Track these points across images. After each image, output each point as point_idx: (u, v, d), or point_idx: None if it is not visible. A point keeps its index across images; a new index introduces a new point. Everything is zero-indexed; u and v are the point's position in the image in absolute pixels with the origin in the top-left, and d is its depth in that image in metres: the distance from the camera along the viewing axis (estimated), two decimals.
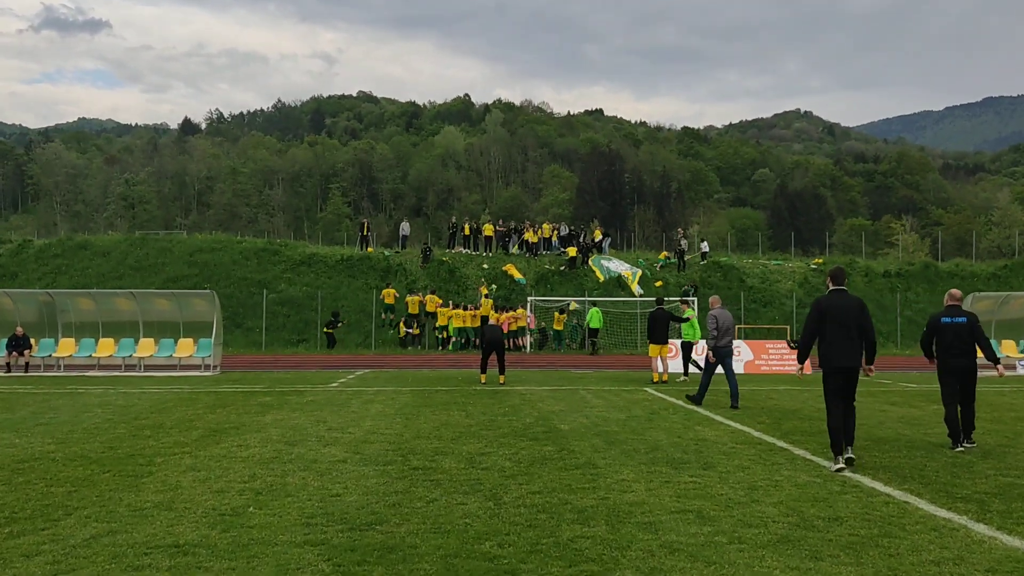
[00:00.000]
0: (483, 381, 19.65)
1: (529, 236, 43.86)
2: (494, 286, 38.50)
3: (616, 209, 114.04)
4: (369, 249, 43.81)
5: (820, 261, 43.81)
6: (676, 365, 22.58)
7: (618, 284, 40.58)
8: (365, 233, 44.28)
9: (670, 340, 21.71)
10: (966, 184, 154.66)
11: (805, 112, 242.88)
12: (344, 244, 52.64)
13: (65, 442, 10.76)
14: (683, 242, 44.51)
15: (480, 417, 13.24)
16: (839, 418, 9.15)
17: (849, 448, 9.20)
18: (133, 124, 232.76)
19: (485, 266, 41.50)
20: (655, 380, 20.22)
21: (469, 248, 43.75)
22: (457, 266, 41.26)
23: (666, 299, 24.80)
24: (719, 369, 15.87)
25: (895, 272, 42.20)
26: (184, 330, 24.52)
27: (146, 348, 23.91)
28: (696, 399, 15.59)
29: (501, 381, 19.52)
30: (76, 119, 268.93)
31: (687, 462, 9.31)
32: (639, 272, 41.03)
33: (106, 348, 23.91)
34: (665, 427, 12.28)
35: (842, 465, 8.91)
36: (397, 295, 36.07)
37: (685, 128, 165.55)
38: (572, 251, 41.91)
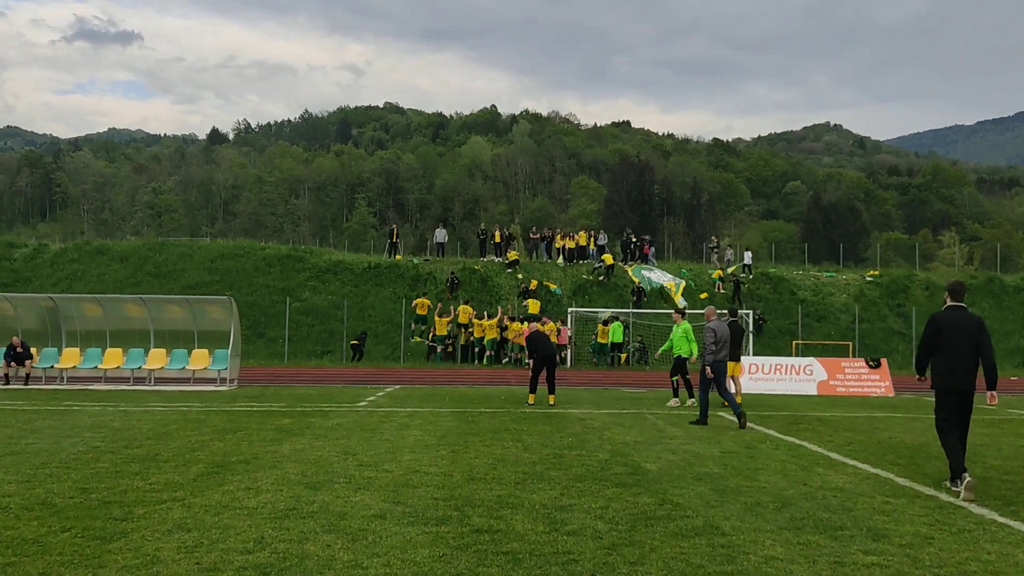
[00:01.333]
0: (531, 402, 17.27)
1: (563, 243, 41.47)
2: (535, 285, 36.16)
3: (646, 221, 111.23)
4: (398, 257, 41.59)
5: (876, 273, 41.09)
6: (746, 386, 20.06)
7: (660, 296, 38.09)
8: (394, 240, 42.08)
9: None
10: (1002, 199, 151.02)
11: (835, 125, 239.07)
12: (371, 252, 50.49)
13: (31, 480, 8.48)
14: (728, 251, 42.00)
15: (542, 450, 10.85)
16: (955, 439, 8.58)
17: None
18: (162, 134, 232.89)
19: (520, 276, 39.14)
20: (726, 404, 17.68)
21: (501, 256, 41.42)
22: (490, 275, 38.94)
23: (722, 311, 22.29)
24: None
25: None
26: (199, 340, 22.34)
27: (157, 359, 21.73)
28: (700, 421, 14.31)
29: (551, 402, 17.14)
30: (107, 129, 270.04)
31: (843, 527, 6.86)
32: (682, 283, 38.54)
33: (113, 359, 21.74)
34: (776, 468, 9.82)
35: (969, 494, 8.00)
36: (431, 305, 33.69)
37: (715, 140, 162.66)
38: (608, 258, 39.51)
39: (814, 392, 21.61)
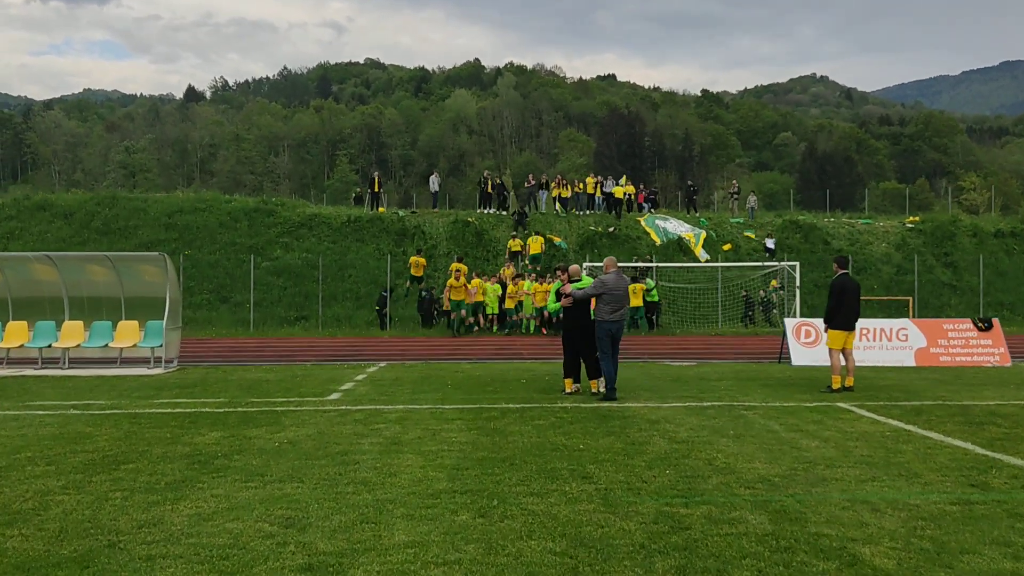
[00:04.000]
0: (569, 389, 12.37)
1: (560, 191, 36.44)
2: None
3: (637, 173, 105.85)
4: (381, 209, 36.40)
5: (917, 219, 36.26)
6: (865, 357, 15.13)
7: (679, 248, 33.19)
8: (376, 190, 36.77)
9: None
10: (992, 148, 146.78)
11: (821, 77, 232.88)
12: (351, 207, 45.23)
13: None
14: (752, 199, 37.14)
15: (636, 505, 5.95)
16: None
17: None
18: (139, 94, 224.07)
19: (515, 233, 34.08)
20: (836, 386, 12.77)
21: (493, 207, 36.29)
22: (485, 228, 33.88)
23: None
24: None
25: (1009, 231, 34.65)
26: (127, 309, 17.27)
27: (72, 335, 16.64)
28: (608, 396, 11.66)
29: (594, 388, 12.27)
30: (82, 90, 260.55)
31: None
32: (703, 233, 33.64)
33: (16, 335, 16.64)
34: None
35: None
36: (427, 265, 28.64)
37: (704, 91, 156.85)
38: (619, 191, 34.92)
39: (912, 362, 16.87)
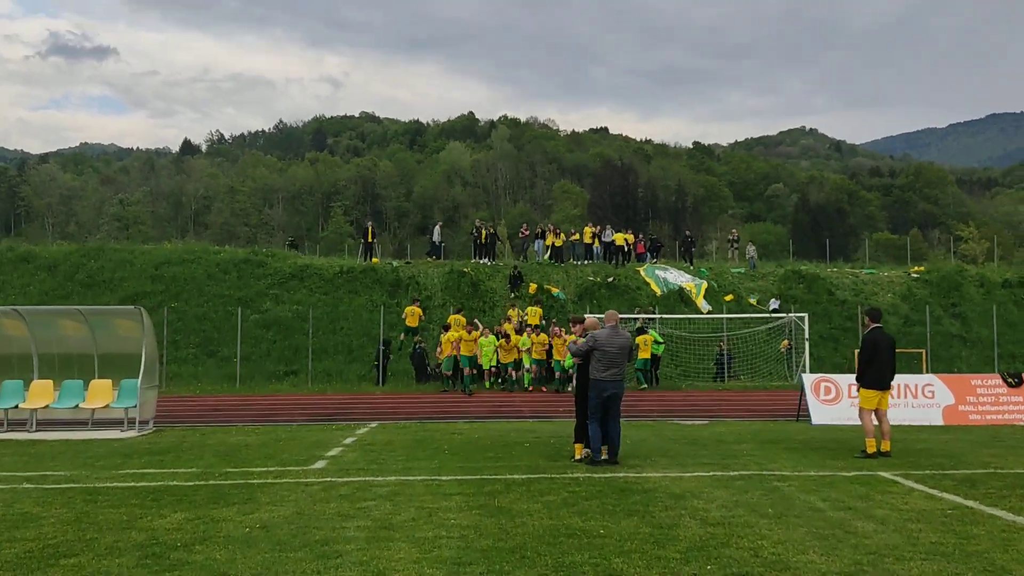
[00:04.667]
0: (579, 456, 11.18)
1: (553, 240, 35.58)
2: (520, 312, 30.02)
3: (631, 224, 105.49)
4: (374, 260, 35.36)
5: (921, 269, 35.35)
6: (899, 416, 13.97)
7: (680, 298, 32.15)
8: (370, 240, 35.80)
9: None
10: (982, 199, 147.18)
11: (810, 130, 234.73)
12: (345, 257, 44.22)
13: None
14: (751, 248, 36.27)
15: None
16: None
17: None
18: (135, 148, 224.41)
19: (516, 265, 33.05)
20: (871, 451, 11.60)
21: (486, 258, 35.30)
22: (481, 279, 32.83)
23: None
24: None
25: (1017, 281, 33.71)
26: (100, 367, 16.06)
27: (41, 395, 15.40)
28: (595, 459, 10.74)
29: (578, 455, 11.07)
30: (79, 144, 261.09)
31: None
32: (704, 284, 32.63)
33: None
34: None
35: None
36: (423, 316, 27.43)
37: (696, 143, 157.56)
38: (620, 237, 34.21)
39: (940, 421, 15.74)
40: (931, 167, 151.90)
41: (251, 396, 23.28)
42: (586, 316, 11.86)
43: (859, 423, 11.94)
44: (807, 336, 24.79)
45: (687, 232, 43.09)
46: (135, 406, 14.90)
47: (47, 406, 15.23)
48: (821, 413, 15.81)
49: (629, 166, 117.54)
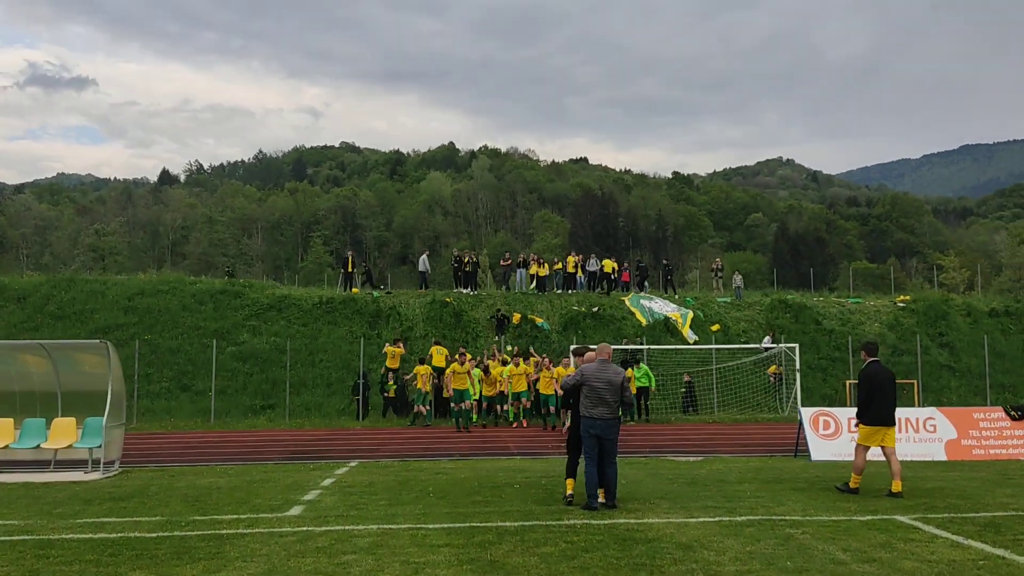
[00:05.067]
0: (570, 492, 10.45)
1: (537, 270, 35.03)
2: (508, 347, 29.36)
3: (612, 253, 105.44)
4: (354, 290, 34.60)
5: (907, 298, 35.02)
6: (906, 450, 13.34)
7: (665, 328, 31.60)
8: (350, 270, 35.04)
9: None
10: (957, 228, 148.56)
11: (787, 160, 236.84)
12: (324, 287, 43.43)
13: None
14: (738, 278, 35.88)
15: None
16: None
17: None
18: (112, 178, 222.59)
19: (499, 308, 32.42)
20: (854, 486, 11.11)
21: (468, 288, 34.60)
22: (464, 309, 32.14)
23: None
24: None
25: (1003, 311, 33.43)
26: (64, 405, 15.19)
27: (0, 434, 14.49)
28: (591, 505, 9.98)
29: (601, 499, 10.33)
30: (55, 175, 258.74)
31: None
32: (689, 313, 32.09)
33: None
34: None
35: None
36: (406, 355, 26.20)
37: (675, 173, 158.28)
38: (608, 264, 33.95)
39: (942, 456, 15.12)
40: (907, 197, 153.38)
41: (226, 432, 22.37)
42: (590, 348, 11.06)
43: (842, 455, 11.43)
44: (798, 367, 24.23)
45: (665, 260, 42.60)
46: (100, 446, 14.02)
47: (7, 446, 14.30)
48: (821, 449, 15.16)
49: (609, 196, 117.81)
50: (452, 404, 22.16)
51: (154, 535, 8.81)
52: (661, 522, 9.11)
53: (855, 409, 11.92)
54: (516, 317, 31.44)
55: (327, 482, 12.74)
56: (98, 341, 14.73)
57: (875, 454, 11.57)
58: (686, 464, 14.82)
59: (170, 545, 8.28)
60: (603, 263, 35.01)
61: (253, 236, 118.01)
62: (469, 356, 23.41)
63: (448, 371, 22.46)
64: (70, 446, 14.33)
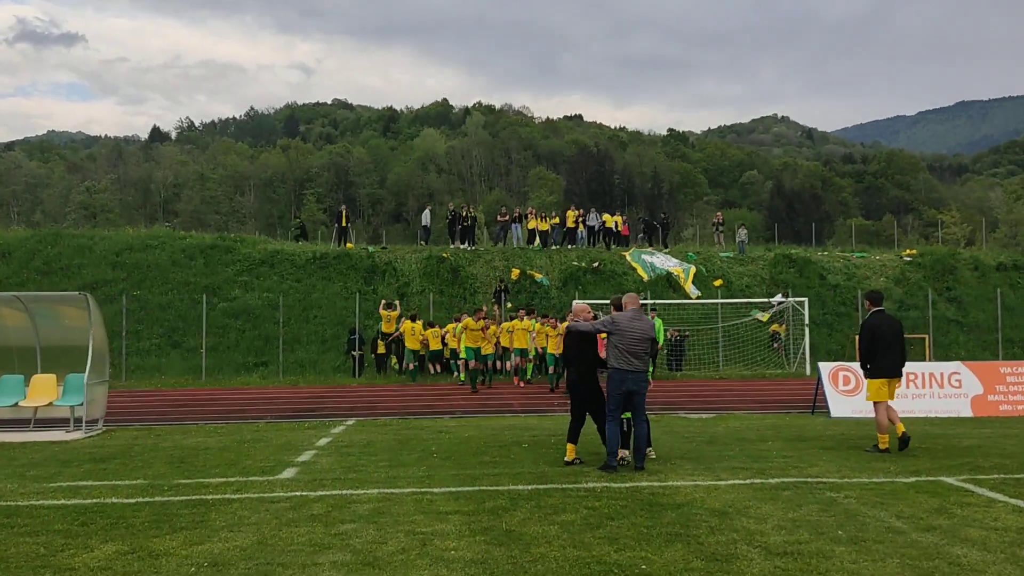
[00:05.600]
0: (570, 458, 9.62)
1: (536, 224, 34.09)
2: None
3: (607, 211, 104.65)
4: (349, 245, 33.62)
5: (914, 252, 34.21)
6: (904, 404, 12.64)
7: (667, 284, 30.76)
8: (344, 224, 34.04)
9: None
10: (953, 185, 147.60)
11: (783, 117, 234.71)
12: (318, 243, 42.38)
13: None
14: (742, 231, 35.03)
15: None
16: None
17: None
18: (103, 136, 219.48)
19: (497, 263, 31.55)
20: (884, 447, 10.37)
21: (465, 243, 33.62)
22: (462, 264, 31.22)
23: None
24: None
25: (1011, 264, 32.65)
26: (43, 360, 14.31)
27: None
28: (609, 464, 9.21)
29: (569, 457, 9.52)
30: (46, 132, 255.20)
31: None
32: (692, 268, 31.23)
33: None
34: None
35: None
36: (400, 312, 24.87)
37: (671, 131, 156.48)
38: (611, 219, 33.22)
39: (968, 412, 14.39)
40: (903, 154, 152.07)
41: (217, 390, 21.57)
42: (624, 297, 10.04)
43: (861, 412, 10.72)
44: (807, 321, 23.47)
45: (663, 214, 41.38)
46: (81, 404, 13.17)
47: None
48: (840, 405, 14.41)
49: (605, 153, 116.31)
50: (466, 362, 20.91)
51: (133, 501, 7.99)
52: (688, 485, 8.32)
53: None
54: (515, 273, 30.59)
55: (323, 442, 11.93)
56: (77, 293, 13.81)
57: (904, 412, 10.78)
58: (699, 422, 14.05)
59: (150, 512, 7.46)
60: (604, 218, 34.10)
61: (245, 194, 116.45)
62: (485, 310, 22.48)
63: (460, 328, 21.21)
64: (50, 404, 13.48)
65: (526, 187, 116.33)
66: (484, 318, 21.27)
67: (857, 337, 24.60)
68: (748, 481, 8.46)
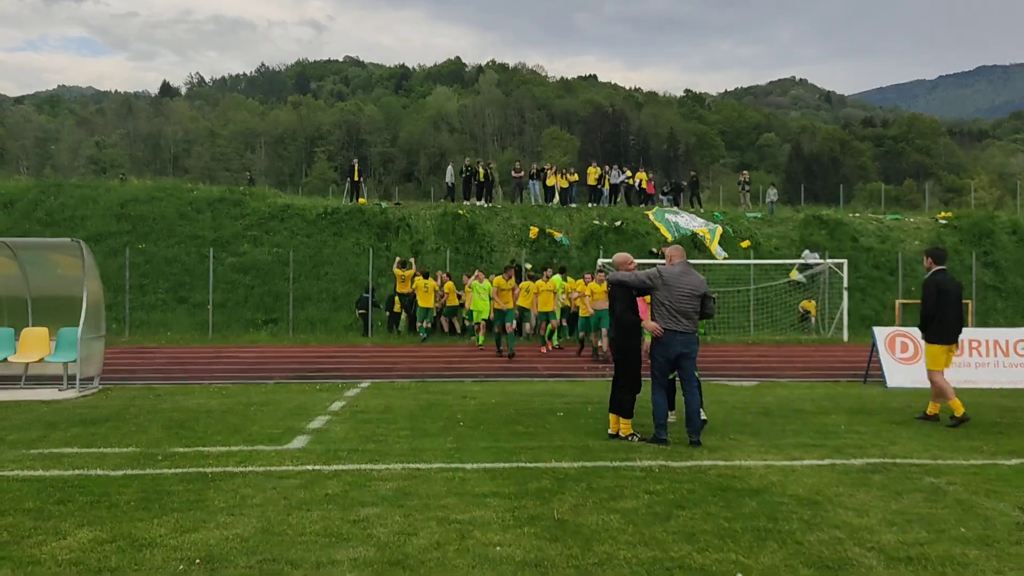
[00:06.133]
0: (623, 433, 8.45)
1: (556, 180, 32.79)
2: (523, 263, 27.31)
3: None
4: (361, 200, 32.42)
5: (949, 215, 32.78)
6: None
7: (692, 244, 29.50)
8: (356, 178, 32.79)
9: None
10: (973, 150, 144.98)
11: (800, 80, 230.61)
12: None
13: None
14: (772, 192, 33.74)
15: None
16: None
17: None
18: (113, 91, 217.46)
19: (514, 221, 30.35)
20: (960, 413, 9.35)
21: (483, 199, 32.29)
22: (478, 221, 30.01)
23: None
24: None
25: None
26: (35, 312, 13.26)
27: None
28: (657, 438, 8.18)
29: (613, 429, 8.43)
30: (56, 87, 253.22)
31: None
32: (718, 229, 29.96)
33: None
34: None
35: None
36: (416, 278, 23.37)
37: (687, 91, 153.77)
38: (641, 176, 32.25)
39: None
40: (924, 118, 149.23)
41: (224, 348, 20.54)
42: (623, 256, 8.90)
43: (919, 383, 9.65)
44: (846, 285, 22.22)
45: (693, 173, 39.46)
46: (75, 360, 12.13)
47: None
48: (898, 374, 13.27)
49: (621, 113, 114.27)
50: (495, 327, 19.07)
51: (120, 474, 6.94)
52: (758, 465, 7.21)
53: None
54: (533, 231, 29.39)
55: (336, 406, 10.88)
56: (70, 240, 12.69)
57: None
58: (745, 390, 12.95)
59: (138, 488, 6.40)
60: (628, 174, 32.86)
61: (256, 151, 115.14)
62: (514, 280, 19.98)
63: (489, 287, 19.44)
64: (42, 360, 12.45)
65: (540, 147, 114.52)
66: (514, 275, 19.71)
67: (899, 303, 23.45)
68: (827, 462, 7.35)
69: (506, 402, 11.11)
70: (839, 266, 22.32)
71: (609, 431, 8.52)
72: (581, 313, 18.37)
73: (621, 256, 8.92)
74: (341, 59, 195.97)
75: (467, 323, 22.02)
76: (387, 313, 23.88)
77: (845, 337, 22.10)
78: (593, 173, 32.96)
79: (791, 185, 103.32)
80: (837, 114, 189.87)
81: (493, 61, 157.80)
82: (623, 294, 8.47)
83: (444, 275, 23.08)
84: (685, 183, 35.78)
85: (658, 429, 8.21)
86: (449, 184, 33.90)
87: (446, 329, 22.76)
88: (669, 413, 8.65)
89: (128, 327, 23.28)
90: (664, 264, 8.77)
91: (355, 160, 35.47)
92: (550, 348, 19.50)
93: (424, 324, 21.52)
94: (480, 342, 19.97)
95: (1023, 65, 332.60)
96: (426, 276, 21.79)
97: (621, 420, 8.44)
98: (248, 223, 29.45)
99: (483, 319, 20.00)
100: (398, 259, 24.20)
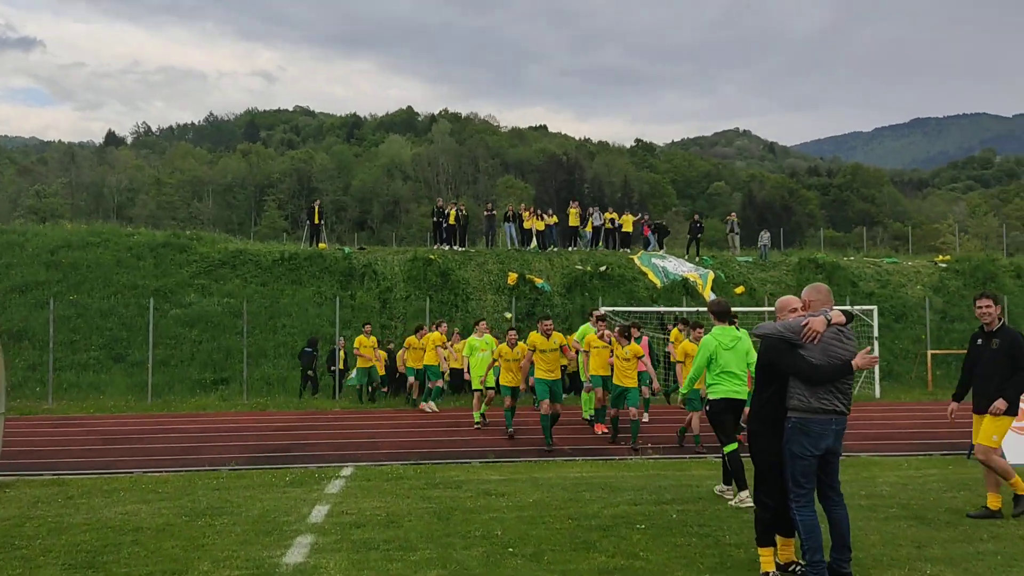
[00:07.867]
0: (767, 569, 5.63)
1: (532, 223, 30.11)
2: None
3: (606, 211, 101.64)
4: (322, 245, 29.37)
5: (948, 258, 30.86)
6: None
7: (684, 290, 27.03)
8: (317, 220, 29.72)
9: None
10: (915, 199, 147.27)
11: (744, 131, 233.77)
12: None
13: None
14: (765, 235, 31.56)
15: None
16: None
17: None
18: (57, 141, 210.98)
19: (490, 267, 27.58)
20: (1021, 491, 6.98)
21: (455, 243, 29.43)
22: (451, 267, 27.13)
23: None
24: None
25: None
26: None
27: None
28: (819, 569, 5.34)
29: (777, 558, 5.58)
30: None
31: None
32: (710, 274, 27.56)
33: None
34: None
35: None
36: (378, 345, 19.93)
37: (638, 140, 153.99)
38: (627, 220, 29.93)
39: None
40: (867, 168, 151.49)
41: (166, 416, 17.19)
42: (792, 298, 5.99)
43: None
44: (875, 334, 19.77)
45: (696, 216, 35.85)
46: None
47: None
48: (1017, 449, 10.61)
49: (575, 161, 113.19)
50: (505, 397, 13.57)
51: None
52: None
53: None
54: (512, 278, 26.65)
55: (318, 513, 7.80)
56: None
57: None
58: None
59: None
60: (611, 216, 30.59)
61: (204, 199, 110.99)
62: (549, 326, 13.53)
63: (495, 353, 14.00)
64: None
65: (494, 195, 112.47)
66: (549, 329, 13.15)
67: (930, 353, 21.04)
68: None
69: (549, 502, 8.14)
70: (867, 313, 19.85)
71: (777, 560, 5.66)
72: (615, 379, 12.73)
73: (784, 300, 6.06)
74: (291, 108, 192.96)
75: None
76: (331, 371, 20.80)
77: (876, 393, 19.56)
78: (573, 214, 30.39)
79: (746, 232, 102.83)
80: (782, 164, 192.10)
81: (446, 110, 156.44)
82: (784, 359, 5.61)
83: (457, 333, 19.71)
84: (664, 223, 33.58)
85: (812, 554, 5.37)
86: (439, 223, 30.21)
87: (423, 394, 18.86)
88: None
89: (51, 392, 19.77)
90: (793, 316, 5.91)
91: (316, 201, 32.50)
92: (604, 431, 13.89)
93: (433, 384, 17.53)
94: (476, 421, 15.00)
95: (956, 118, 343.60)
96: (416, 332, 18.45)
97: (781, 541, 5.61)
98: (195, 270, 26.18)
99: (490, 387, 14.92)
100: (366, 327, 19.94)
